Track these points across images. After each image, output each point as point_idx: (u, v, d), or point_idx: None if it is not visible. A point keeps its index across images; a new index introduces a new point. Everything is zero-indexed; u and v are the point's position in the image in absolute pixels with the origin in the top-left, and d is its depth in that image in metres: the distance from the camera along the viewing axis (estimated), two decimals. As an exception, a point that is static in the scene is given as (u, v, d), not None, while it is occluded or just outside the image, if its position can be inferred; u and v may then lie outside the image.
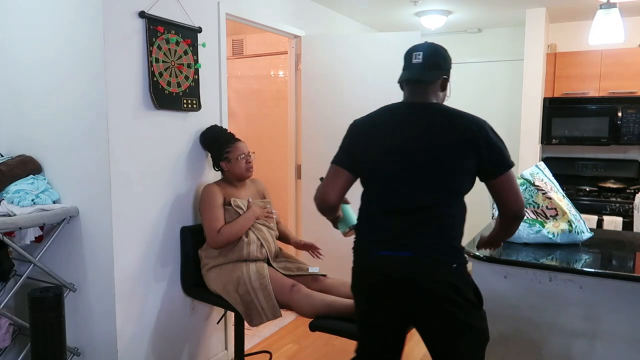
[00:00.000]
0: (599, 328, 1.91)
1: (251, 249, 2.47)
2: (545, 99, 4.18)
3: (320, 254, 2.72)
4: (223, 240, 2.42)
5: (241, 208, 2.51)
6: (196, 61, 2.58)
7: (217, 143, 2.59)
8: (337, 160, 1.79)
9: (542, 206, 2.28)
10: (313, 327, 2.24)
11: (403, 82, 1.78)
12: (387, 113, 1.78)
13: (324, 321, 2.24)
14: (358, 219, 1.83)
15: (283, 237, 2.81)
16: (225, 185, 2.58)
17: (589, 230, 2.24)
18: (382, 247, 1.69)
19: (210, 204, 2.47)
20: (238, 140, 2.62)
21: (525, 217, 2.24)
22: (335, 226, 2.01)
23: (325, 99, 3.58)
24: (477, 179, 1.72)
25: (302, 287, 2.36)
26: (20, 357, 2.34)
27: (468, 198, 1.75)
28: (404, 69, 1.78)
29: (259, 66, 4.62)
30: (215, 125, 2.71)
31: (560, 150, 4.52)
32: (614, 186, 4.08)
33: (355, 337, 2.22)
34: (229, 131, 2.68)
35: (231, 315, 2.86)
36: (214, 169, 2.66)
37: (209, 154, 2.70)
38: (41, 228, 2.31)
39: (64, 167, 2.34)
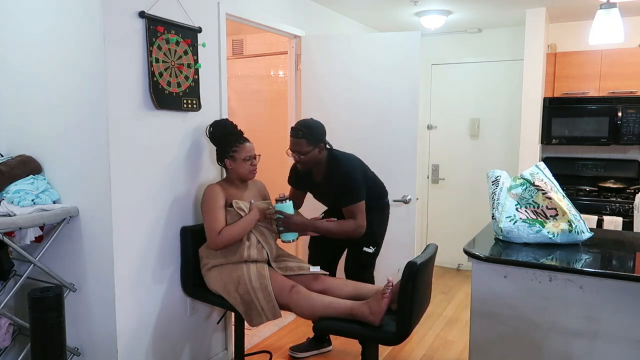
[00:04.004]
0: (599, 328, 1.90)
1: (251, 252, 2.46)
2: (545, 99, 4.18)
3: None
4: (223, 241, 2.42)
5: (243, 210, 2.50)
6: (196, 61, 2.58)
7: (226, 139, 2.54)
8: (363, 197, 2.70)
9: (542, 206, 2.27)
10: (316, 329, 2.24)
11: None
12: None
13: (327, 322, 2.23)
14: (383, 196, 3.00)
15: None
16: (227, 186, 2.56)
17: (589, 230, 2.24)
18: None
19: (212, 205, 2.45)
20: (247, 140, 2.57)
21: (525, 217, 2.24)
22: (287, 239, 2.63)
23: (325, 99, 3.58)
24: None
25: (301, 288, 2.36)
26: (20, 357, 2.34)
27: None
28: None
29: (259, 66, 4.62)
30: (227, 120, 2.65)
31: (560, 150, 4.52)
32: (614, 186, 4.08)
33: (357, 336, 2.23)
34: (239, 128, 2.61)
35: (231, 315, 2.86)
36: (218, 163, 2.63)
37: (209, 153, 2.69)
38: (41, 228, 2.31)
39: (64, 167, 2.34)
